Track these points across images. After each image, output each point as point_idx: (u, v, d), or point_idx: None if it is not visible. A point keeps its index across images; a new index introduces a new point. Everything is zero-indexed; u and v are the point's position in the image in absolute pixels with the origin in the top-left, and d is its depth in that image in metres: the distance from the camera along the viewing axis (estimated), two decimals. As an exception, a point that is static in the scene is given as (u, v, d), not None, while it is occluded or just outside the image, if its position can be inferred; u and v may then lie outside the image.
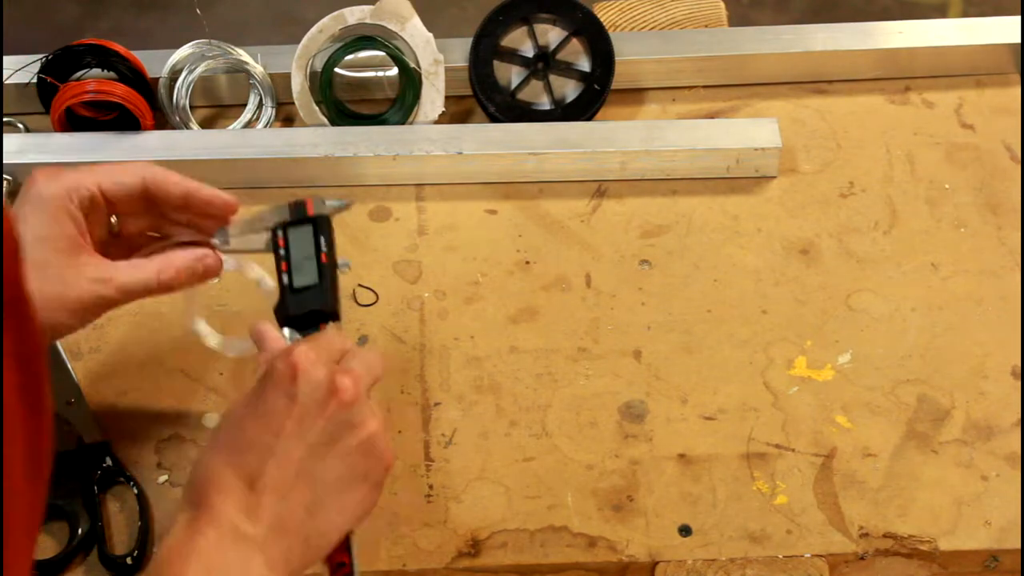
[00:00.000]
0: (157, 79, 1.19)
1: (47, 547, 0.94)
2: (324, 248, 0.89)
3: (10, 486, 0.50)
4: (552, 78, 1.20)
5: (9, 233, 0.50)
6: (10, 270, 0.49)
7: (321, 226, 0.90)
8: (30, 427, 0.52)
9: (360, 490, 0.80)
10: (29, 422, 0.52)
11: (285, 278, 0.89)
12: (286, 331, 0.88)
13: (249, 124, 1.20)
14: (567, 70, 1.20)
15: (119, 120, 1.16)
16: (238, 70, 1.20)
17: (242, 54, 1.20)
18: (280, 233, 0.90)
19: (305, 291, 0.88)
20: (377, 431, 0.80)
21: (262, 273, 0.96)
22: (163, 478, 0.97)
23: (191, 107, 1.19)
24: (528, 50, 1.20)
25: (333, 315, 0.89)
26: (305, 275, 0.88)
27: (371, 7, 1.17)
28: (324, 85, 1.18)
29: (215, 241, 0.92)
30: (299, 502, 0.78)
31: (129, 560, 0.92)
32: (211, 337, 0.98)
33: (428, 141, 1.15)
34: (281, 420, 0.78)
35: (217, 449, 0.79)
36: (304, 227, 0.90)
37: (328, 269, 0.89)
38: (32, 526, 0.54)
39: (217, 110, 1.22)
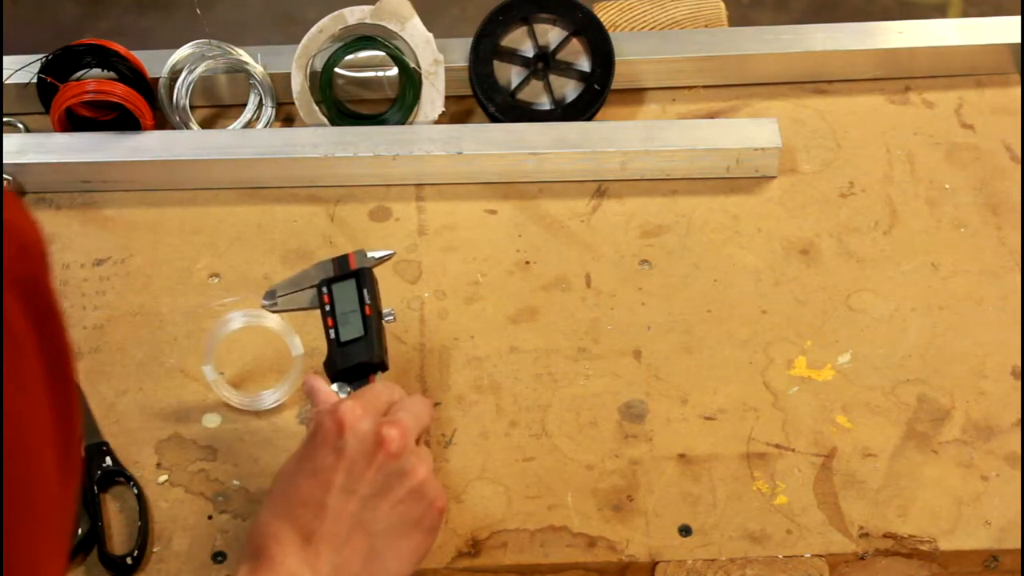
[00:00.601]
0: (157, 79, 1.19)
1: (47, 547, 0.94)
2: (368, 300, 0.92)
3: (44, 491, 0.51)
4: (552, 78, 1.20)
5: (38, 238, 0.50)
6: (42, 278, 0.50)
7: (363, 279, 0.93)
8: (62, 434, 0.52)
9: (414, 536, 0.83)
10: (61, 429, 0.52)
11: (332, 333, 0.92)
12: (335, 386, 0.91)
13: (249, 124, 1.20)
14: (567, 70, 1.20)
15: (119, 120, 1.16)
16: (238, 70, 1.20)
17: (242, 54, 1.20)
18: (325, 289, 0.93)
19: (351, 344, 0.91)
20: (427, 477, 0.83)
21: (280, 322, 0.98)
22: (163, 478, 0.97)
23: (191, 107, 1.19)
24: (528, 50, 1.20)
25: (381, 365, 0.92)
26: (351, 329, 0.92)
27: (371, 7, 1.17)
28: (324, 85, 1.18)
29: (264, 303, 0.96)
30: (355, 552, 0.80)
31: (129, 560, 0.92)
32: (219, 384, 0.99)
33: (428, 141, 1.15)
34: (330, 475, 0.81)
35: (272, 506, 0.82)
36: (347, 281, 0.93)
37: (373, 321, 0.92)
38: (65, 528, 0.55)
39: (217, 110, 1.22)
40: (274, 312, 0.96)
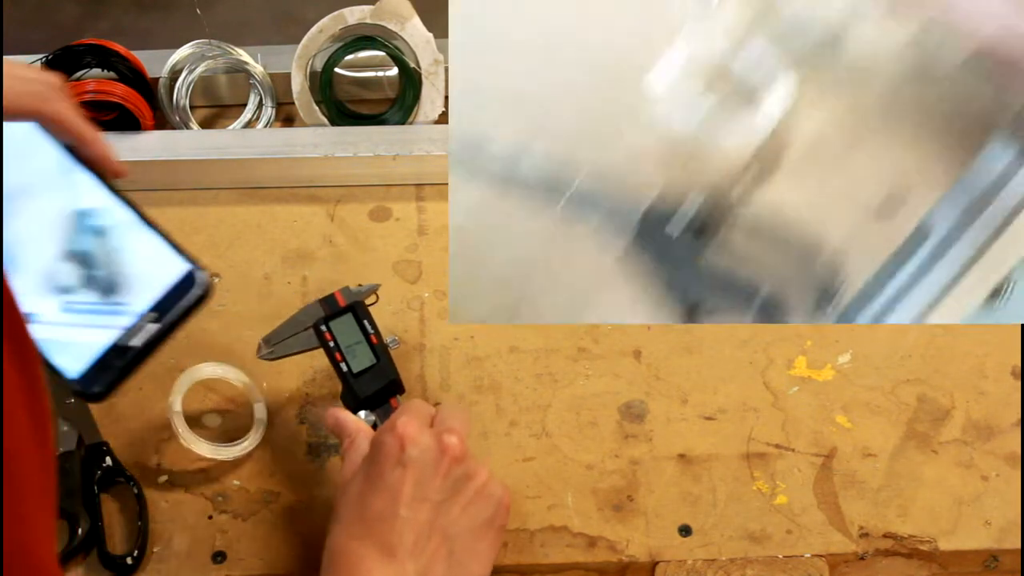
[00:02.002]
0: (157, 79, 1.19)
1: (47, 547, 0.93)
2: (372, 330, 0.95)
3: (18, 446, 0.51)
4: (552, 78, 1.20)
5: None
6: None
7: (360, 312, 0.95)
8: (25, 388, 0.52)
9: (488, 536, 0.84)
10: (24, 385, 0.52)
11: (344, 366, 0.94)
12: (361, 413, 0.93)
13: (249, 124, 1.20)
14: (567, 70, 1.20)
15: (119, 120, 1.16)
16: (238, 70, 1.20)
17: (242, 54, 1.20)
18: (324, 328, 0.95)
19: (367, 373, 0.93)
20: (490, 477, 0.85)
21: (248, 383, 0.99)
22: (163, 478, 0.97)
23: (191, 107, 1.19)
24: (528, 50, 1.20)
25: (400, 387, 0.94)
26: (362, 359, 0.94)
27: (371, 7, 1.17)
28: (324, 85, 1.18)
29: (261, 352, 0.96)
30: (437, 559, 0.82)
31: (129, 560, 0.92)
32: (178, 421, 0.98)
33: (428, 141, 1.15)
34: (400, 487, 0.82)
35: (346, 528, 0.83)
36: (344, 317, 0.95)
37: (381, 348, 0.94)
38: (47, 488, 0.54)
39: (217, 110, 1.22)
40: (271, 360, 0.96)
